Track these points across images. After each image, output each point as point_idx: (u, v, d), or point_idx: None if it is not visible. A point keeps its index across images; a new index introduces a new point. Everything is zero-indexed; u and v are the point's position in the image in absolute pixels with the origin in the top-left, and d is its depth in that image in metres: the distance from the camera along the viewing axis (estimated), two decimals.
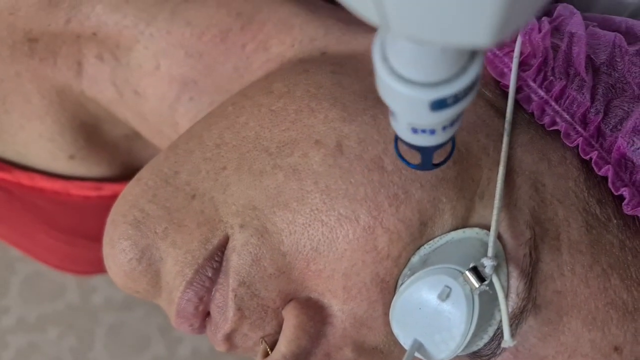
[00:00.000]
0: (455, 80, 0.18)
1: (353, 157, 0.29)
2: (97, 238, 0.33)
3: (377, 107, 0.30)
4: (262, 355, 0.30)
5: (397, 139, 0.24)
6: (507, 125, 0.31)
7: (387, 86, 0.19)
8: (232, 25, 0.37)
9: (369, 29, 0.36)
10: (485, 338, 0.28)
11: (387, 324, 0.29)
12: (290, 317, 0.29)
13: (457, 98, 0.19)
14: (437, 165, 0.25)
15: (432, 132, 0.21)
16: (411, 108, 0.19)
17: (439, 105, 0.19)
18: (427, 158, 0.24)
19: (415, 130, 0.22)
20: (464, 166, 0.29)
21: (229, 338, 0.31)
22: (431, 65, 0.18)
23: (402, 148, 0.24)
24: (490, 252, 0.27)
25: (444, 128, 0.21)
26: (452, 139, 0.24)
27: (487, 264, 0.27)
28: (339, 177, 0.29)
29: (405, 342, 0.28)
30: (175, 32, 0.37)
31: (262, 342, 0.30)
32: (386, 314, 0.29)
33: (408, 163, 0.25)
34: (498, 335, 0.28)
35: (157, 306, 0.34)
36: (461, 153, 0.30)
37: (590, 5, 0.40)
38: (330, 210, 0.28)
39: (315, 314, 0.30)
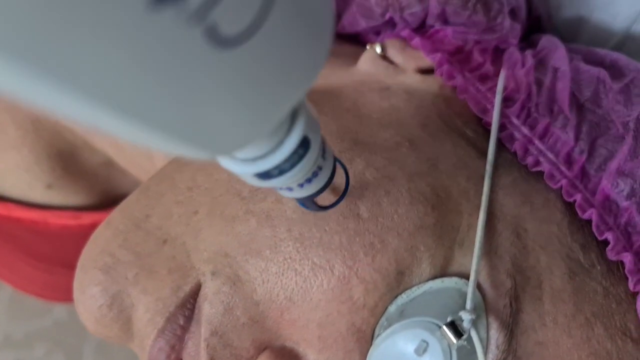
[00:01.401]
0: (270, 156, 0.19)
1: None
2: (76, 266, 0.32)
3: (354, 150, 0.29)
4: None
5: None
6: (488, 167, 0.30)
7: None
8: None
9: (349, 64, 0.35)
10: None
11: None
12: None
13: (281, 170, 0.19)
14: (326, 208, 0.26)
15: (290, 189, 0.22)
16: (244, 177, 0.20)
17: (265, 176, 0.19)
18: (309, 205, 0.25)
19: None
20: (443, 212, 0.28)
21: None
22: None
23: None
24: (468, 305, 0.26)
25: (301, 185, 0.22)
26: (346, 183, 0.26)
27: (465, 317, 0.26)
28: (313, 224, 0.28)
29: None
30: None
31: None
32: None
33: (305, 206, 0.26)
34: None
35: None
36: (440, 199, 0.29)
37: (576, 34, 0.39)
38: (303, 259, 0.27)
39: None
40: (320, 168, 0.22)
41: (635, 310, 0.28)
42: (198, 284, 0.29)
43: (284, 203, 0.28)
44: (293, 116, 0.19)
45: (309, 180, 0.21)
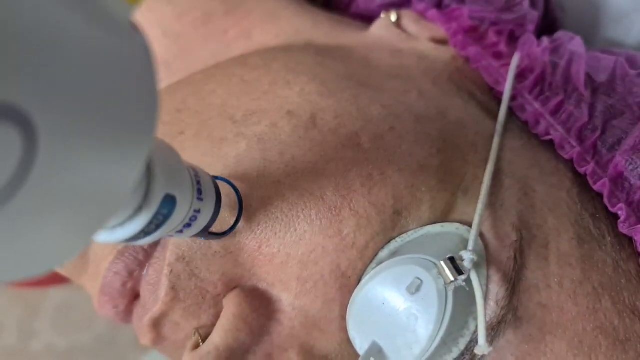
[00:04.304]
0: (129, 223, 0.17)
1: (327, 131, 0.26)
2: None
3: (360, 89, 0.28)
4: (192, 347, 0.25)
5: None
6: (498, 127, 0.28)
7: None
8: (216, 9, 0.35)
9: (361, 28, 0.34)
10: (455, 352, 0.24)
11: (344, 329, 0.25)
12: (231, 305, 0.25)
13: (146, 232, 0.18)
14: (221, 235, 0.24)
15: (169, 235, 0.20)
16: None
17: (132, 239, 0.18)
18: (204, 237, 0.23)
19: None
20: (449, 157, 0.26)
21: (156, 324, 0.26)
22: None
23: None
24: (470, 245, 0.23)
25: (180, 231, 0.20)
26: (239, 208, 0.24)
27: (466, 257, 0.23)
28: (309, 149, 0.25)
29: (362, 346, 0.24)
30: (155, 10, 0.35)
31: (195, 334, 0.26)
32: (344, 317, 0.25)
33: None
34: (470, 348, 0.24)
35: None
36: (447, 144, 0.27)
37: (588, 49, 0.39)
38: (293, 184, 0.25)
39: (261, 306, 0.25)
40: (198, 211, 0.20)
41: None
42: None
43: (280, 127, 0.26)
44: (149, 178, 0.17)
45: (188, 225, 0.20)
